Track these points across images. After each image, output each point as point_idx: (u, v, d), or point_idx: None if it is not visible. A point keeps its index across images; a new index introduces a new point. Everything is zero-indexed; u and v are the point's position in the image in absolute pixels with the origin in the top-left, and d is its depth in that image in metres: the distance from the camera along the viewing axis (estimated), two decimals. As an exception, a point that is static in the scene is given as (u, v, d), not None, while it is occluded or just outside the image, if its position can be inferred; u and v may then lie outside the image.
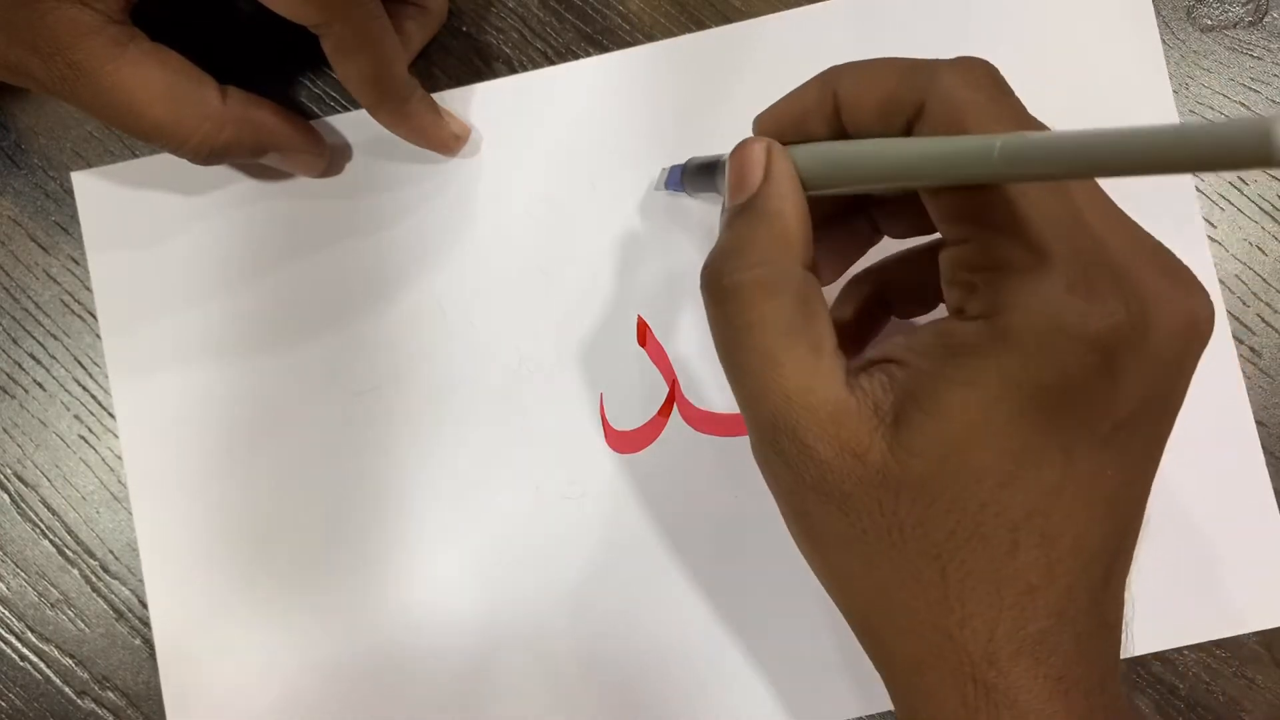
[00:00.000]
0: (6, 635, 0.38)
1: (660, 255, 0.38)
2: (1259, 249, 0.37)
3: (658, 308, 0.38)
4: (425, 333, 0.38)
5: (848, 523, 0.25)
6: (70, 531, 0.38)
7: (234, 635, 0.37)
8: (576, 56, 0.38)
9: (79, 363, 0.39)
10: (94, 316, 0.38)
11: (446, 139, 0.37)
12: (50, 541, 0.38)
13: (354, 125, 0.38)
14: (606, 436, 0.37)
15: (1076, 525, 0.24)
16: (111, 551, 0.38)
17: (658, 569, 0.37)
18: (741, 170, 0.27)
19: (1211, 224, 0.37)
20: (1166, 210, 0.37)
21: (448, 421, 0.38)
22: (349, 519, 0.38)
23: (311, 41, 0.31)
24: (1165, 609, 0.36)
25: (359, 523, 0.38)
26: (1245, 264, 0.37)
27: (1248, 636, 0.36)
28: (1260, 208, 0.37)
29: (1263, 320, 0.37)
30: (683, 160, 0.35)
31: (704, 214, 0.37)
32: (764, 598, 0.37)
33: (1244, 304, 0.37)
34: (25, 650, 0.38)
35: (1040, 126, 0.25)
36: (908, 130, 0.25)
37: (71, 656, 0.38)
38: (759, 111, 0.29)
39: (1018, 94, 0.25)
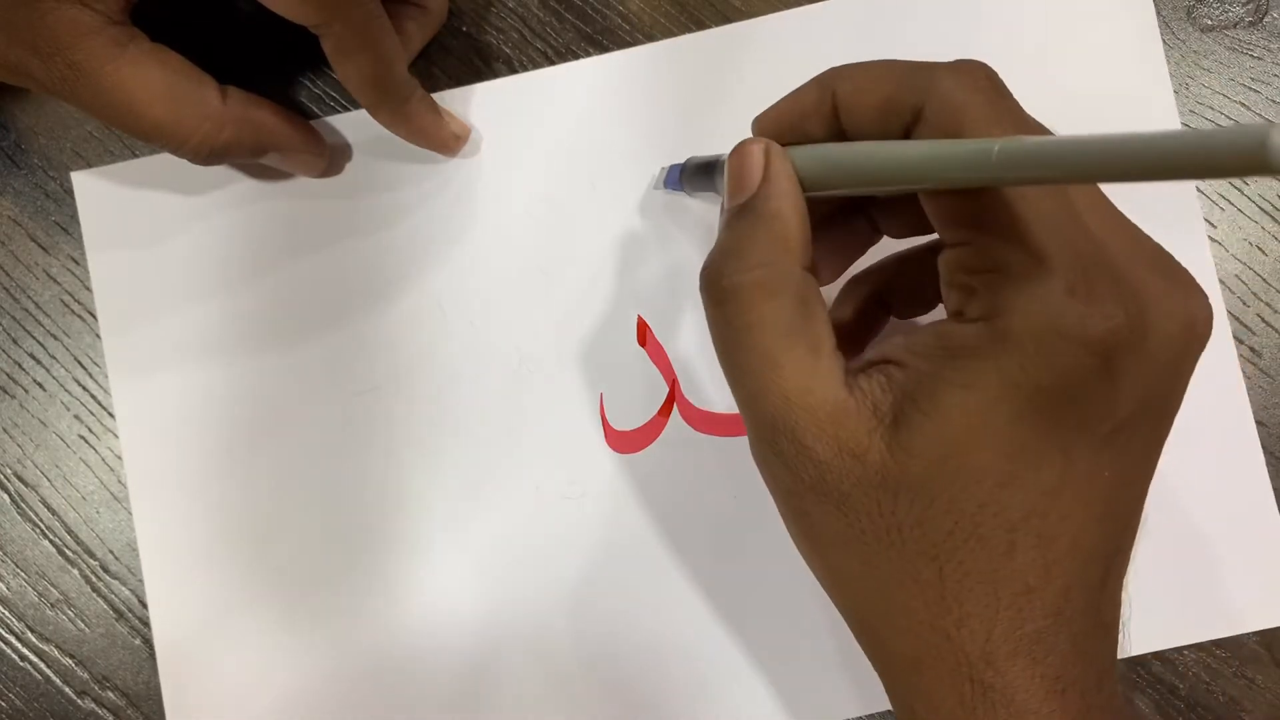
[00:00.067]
0: (6, 635, 0.38)
1: (661, 255, 0.38)
2: (1259, 249, 0.37)
3: (658, 308, 0.38)
4: (425, 333, 0.38)
5: (846, 523, 0.25)
6: (70, 531, 0.38)
7: (234, 635, 0.37)
8: (576, 56, 0.38)
9: (79, 363, 0.39)
10: (94, 316, 0.38)
11: (446, 139, 0.37)
12: (50, 541, 0.38)
13: (354, 125, 0.38)
14: (606, 436, 0.37)
15: (1074, 526, 0.24)
16: (111, 551, 0.38)
17: (658, 569, 0.37)
18: (740, 171, 0.27)
19: (1211, 224, 0.37)
20: (1167, 210, 0.37)
21: (448, 421, 0.38)
22: (349, 519, 0.38)
23: (311, 41, 0.31)
24: (1165, 609, 0.36)
25: (359, 523, 0.38)
26: (1245, 264, 0.37)
27: (1248, 636, 0.36)
28: (1260, 208, 0.37)
29: (1263, 320, 0.37)
30: (682, 159, 0.35)
31: (704, 214, 0.37)
32: (764, 598, 0.37)
33: (1244, 304, 0.37)
34: (25, 650, 0.38)
35: (1039, 129, 0.25)
36: (906, 133, 0.25)
37: (71, 656, 0.38)
38: (758, 112, 0.29)
39: (1020, 94, 0.25)
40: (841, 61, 0.27)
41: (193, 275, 0.38)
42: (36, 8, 0.29)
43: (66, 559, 0.38)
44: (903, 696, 0.26)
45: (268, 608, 0.37)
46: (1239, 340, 0.37)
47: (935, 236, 0.26)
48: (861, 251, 0.32)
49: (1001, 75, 0.25)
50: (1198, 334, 0.24)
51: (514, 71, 0.38)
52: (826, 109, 0.26)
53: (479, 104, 0.38)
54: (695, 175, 0.34)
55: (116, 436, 0.38)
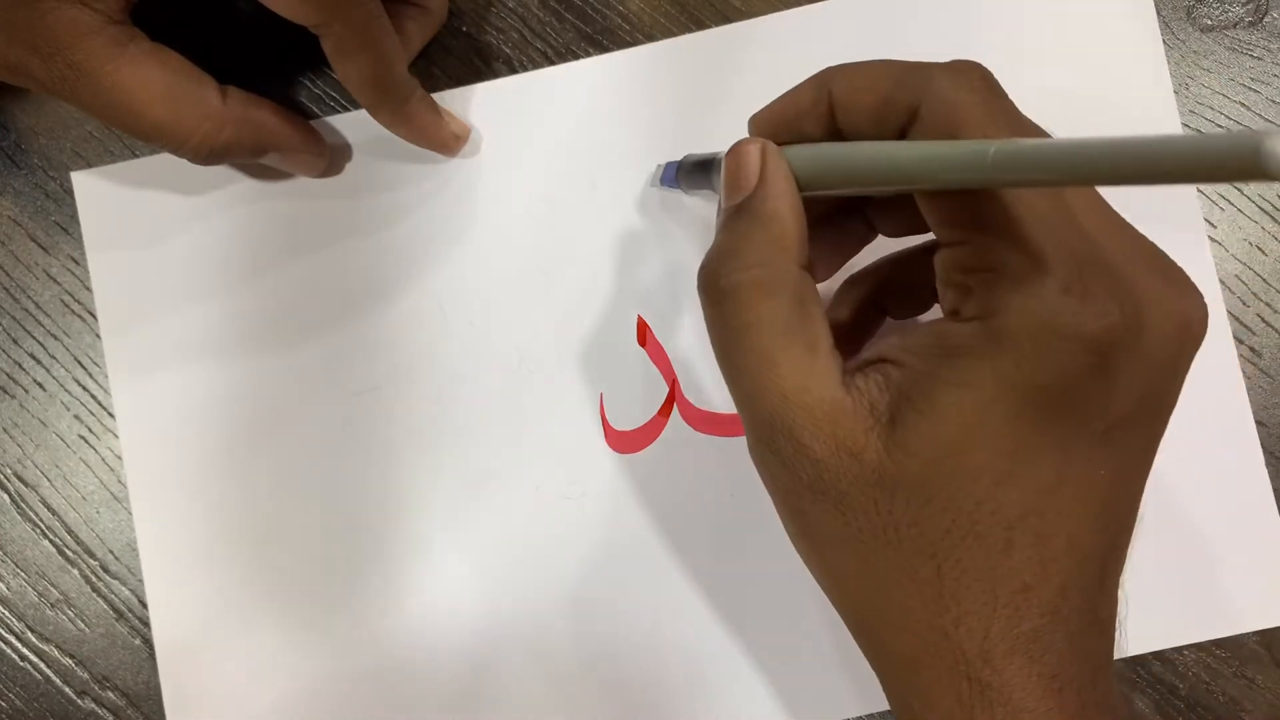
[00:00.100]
0: (6, 635, 0.38)
1: (661, 255, 0.38)
2: (1259, 249, 0.37)
3: (658, 307, 0.38)
4: (425, 333, 0.38)
5: (844, 522, 0.25)
6: (70, 531, 0.38)
7: (234, 635, 0.37)
8: (576, 56, 0.38)
9: (79, 363, 0.39)
10: (94, 316, 0.39)
11: (446, 139, 0.37)
12: (50, 541, 0.38)
13: (354, 125, 0.38)
14: (606, 436, 0.38)
15: (1071, 524, 0.24)
16: (111, 551, 0.38)
17: (658, 569, 0.37)
18: (737, 171, 0.27)
19: (1211, 224, 0.37)
20: (1166, 210, 0.37)
21: (447, 421, 0.38)
22: (349, 519, 0.38)
23: (311, 41, 0.31)
24: (1165, 608, 0.36)
25: (359, 523, 0.38)
26: (1245, 264, 0.37)
27: (1248, 636, 0.36)
28: (1260, 208, 0.37)
29: (1263, 320, 0.37)
30: (680, 158, 0.35)
31: (705, 214, 0.37)
32: (763, 598, 0.37)
33: (1244, 304, 0.37)
34: (25, 650, 0.38)
35: (1034, 129, 0.25)
36: (902, 133, 0.25)
37: (71, 656, 0.38)
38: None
39: (1020, 94, 0.25)
40: (841, 61, 0.27)
41: (193, 275, 0.38)
42: (36, 8, 0.29)
43: (66, 559, 0.38)
44: (901, 695, 0.26)
45: (268, 608, 0.38)
46: (1239, 340, 0.37)
47: (931, 236, 0.26)
48: (857, 250, 0.32)
49: (1001, 75, 0.25)
50: (1193, 333, 0.24)
51: (514, 71, 0.38)
52: (823, 108, 0.26)
53: (479, 104, 0.38)
54: (692, 173, 0.34)
55: (116, 436, 0.38)
